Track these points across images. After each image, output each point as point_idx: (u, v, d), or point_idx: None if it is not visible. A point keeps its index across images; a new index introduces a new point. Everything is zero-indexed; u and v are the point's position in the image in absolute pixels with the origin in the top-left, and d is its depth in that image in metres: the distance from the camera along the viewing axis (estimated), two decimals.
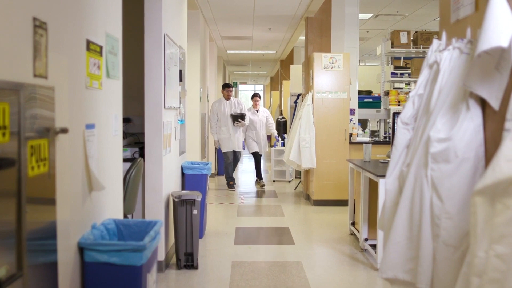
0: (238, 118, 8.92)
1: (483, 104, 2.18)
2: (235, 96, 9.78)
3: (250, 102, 9.83)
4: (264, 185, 9.57)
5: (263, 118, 9.61)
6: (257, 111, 9.65)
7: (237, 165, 9.70)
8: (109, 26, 2.88)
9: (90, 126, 2.53)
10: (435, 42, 2.55)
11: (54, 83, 2.07)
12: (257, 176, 9.70)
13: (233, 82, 22.90)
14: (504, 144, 1.53)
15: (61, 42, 2.17)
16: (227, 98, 9.11)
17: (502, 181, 1.47)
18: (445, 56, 2.36)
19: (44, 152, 1.96)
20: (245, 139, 9.54)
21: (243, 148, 9.57)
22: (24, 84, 1.80)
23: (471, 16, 2.32)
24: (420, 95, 2.54)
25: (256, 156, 9.60)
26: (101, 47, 2.69)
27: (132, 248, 2.35)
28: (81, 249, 2.38)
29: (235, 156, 9.23)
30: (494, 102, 2.03)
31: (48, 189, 2.03)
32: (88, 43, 2.51)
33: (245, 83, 28.82)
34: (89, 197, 2.55)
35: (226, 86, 9.21)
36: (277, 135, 10.03)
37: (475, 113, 2.15)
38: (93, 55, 2.57)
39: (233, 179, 9.26)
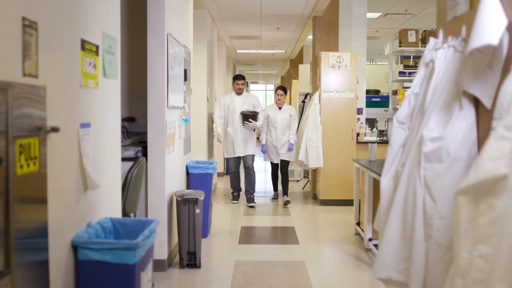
0: (249, 117, 7.37)
1: (477, 103, 2.16)
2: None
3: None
4: (288, 201, 7.77)
5: (286, 117, 7.77)
6: (279, 108, 7.84)
7: (252, 177, 7.62)
8: (106, 26, 2.89)
9: (85, 125, 2.54)
10: (432, 40, 2.52)
11: (45, 82, 2.08)
12: (274, 190, 8.27)
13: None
14: (488, 143, 1.51)
15: (53, 41, 2.18)
16: (238, 92, 7.58)
17: (486, 181, 1.44)
18: (440, 55, 2.34)
19: (34, 151, 1.97)
20: (265, 143, 7.88)
21: (264, 152, 7.92)
22: (13, 83, 1.81)
23: (466, 14, 2.29)
24: (416, 94, 2.52)
25: (274, 167, 8.02)
26: (97, 47, 2.70)
27: (125, 246, 2.36)
28: (75, 247, 2.39)
29: (245, 163, 7.60)
30: (487, 101, 2.00)
31: (39, 187, 2.04)
32: (83, 42, 2.52)
33: (256, 82, 28.78)
34: (84, 196, 2.56)
35: (235, 78, 7.65)
36: (292, 142, 7.76)
37: (468, 112, 2.12)
38: (89, 54, 2.58)
39: (238, 189, 7.88)
